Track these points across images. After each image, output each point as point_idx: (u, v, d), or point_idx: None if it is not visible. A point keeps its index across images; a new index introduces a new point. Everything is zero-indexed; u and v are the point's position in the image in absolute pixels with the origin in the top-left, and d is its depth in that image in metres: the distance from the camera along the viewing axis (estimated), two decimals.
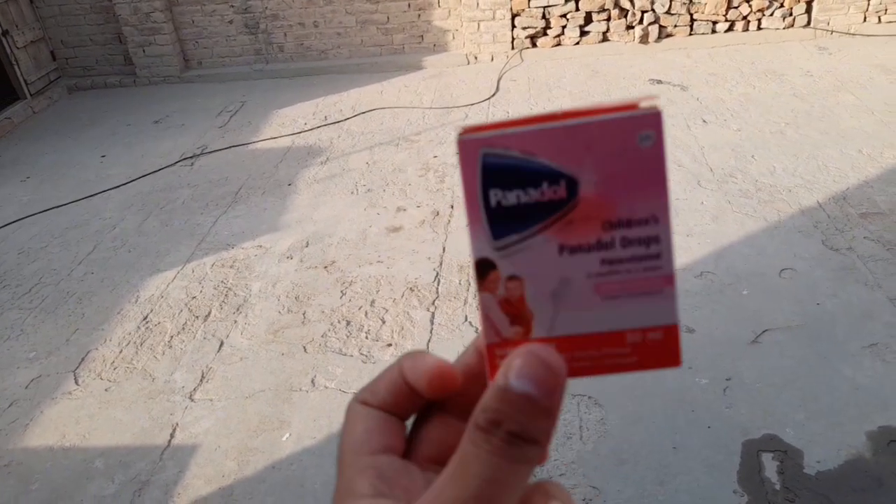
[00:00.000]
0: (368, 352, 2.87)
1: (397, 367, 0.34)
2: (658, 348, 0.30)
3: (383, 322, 3.03)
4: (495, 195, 0.29)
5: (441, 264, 3.39)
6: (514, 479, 0.27)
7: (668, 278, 0.30)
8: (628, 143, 0.28)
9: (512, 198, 0.29)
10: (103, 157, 5.14)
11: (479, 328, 0.32)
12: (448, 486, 0.28)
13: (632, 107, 0.28)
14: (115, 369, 2.94)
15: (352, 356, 2.85)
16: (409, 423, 0.35)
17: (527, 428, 0.27)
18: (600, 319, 0.30)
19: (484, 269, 0.30)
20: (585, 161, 0.29)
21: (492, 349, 0.31)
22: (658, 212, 0.29)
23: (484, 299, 0.31)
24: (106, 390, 2.83)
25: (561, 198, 0.29)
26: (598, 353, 0.31)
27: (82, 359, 3.03)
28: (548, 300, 0.30)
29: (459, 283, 3.22)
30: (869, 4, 5.83)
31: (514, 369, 0.28)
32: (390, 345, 2.89)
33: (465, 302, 3.08)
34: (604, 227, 0.29)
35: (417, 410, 0.35)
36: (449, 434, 0.33)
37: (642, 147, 0.28)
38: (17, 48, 6.15)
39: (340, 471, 0.32)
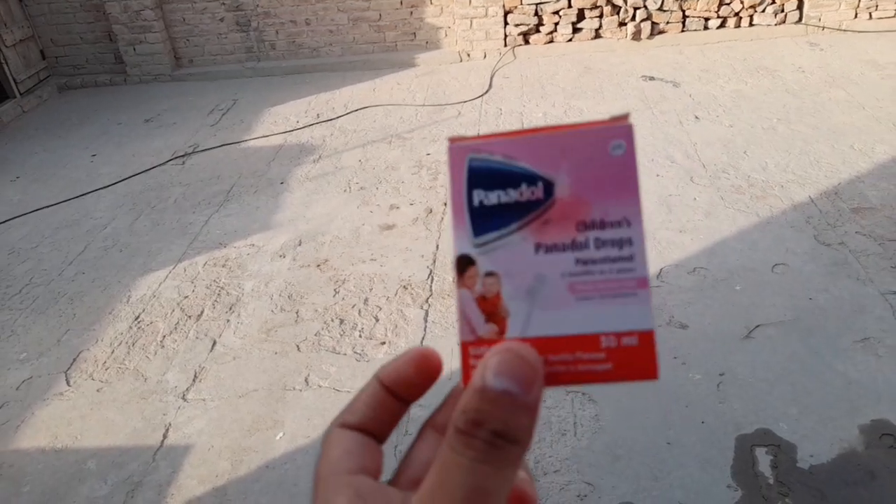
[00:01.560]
0: (362, 350, 2.86)
1: (373, 380, 0.34)
2: (634, 356, 0.30)
3: (377, 320, 3.02)
4: (478, 195, 0.32)
5: (434, 262, 3.38)
6: (500, 485, 0.26)
7: (642, 280, 0.30)
8: (601, 151, 0.31)
9: (493, 198, 0.32)
10: (94, 156, 5.10)
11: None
12: (431, 498, 0.27)
13: (606, 121, 0.31)
14: (106, 370, 2.92)
15: (345, 355, 2.84)
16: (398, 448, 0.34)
17: (510, 426, 0.27)
18: (574, 320, 0.31)
19: (463, 265, 0.32)
20: (561, 165, 0.31)
21: (466, 347, 0.32)
22: (630, 215, 0.30)
23: (461, 296, 0.32)
24: (98, 391, 2.81)
25: (538, 198, 0.31)
26: (572, 358, 0.31)
27: (74, 359, 3.01)
28: (523, 298, 0.31)
29: (453, 281, 3.21)
30: (860, 1, 5.85)
31: (491, 368, 0.28)
32: (384, 343, 2.88)
33: None
34: (578, 228, 0.31)
35: (398, 421, 0.34)
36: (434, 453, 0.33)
37: (614, 155, 0.31)
38: (6, 47, 6.10)
39: (316, 491, 0.31)
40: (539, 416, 0.28)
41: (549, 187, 0.31)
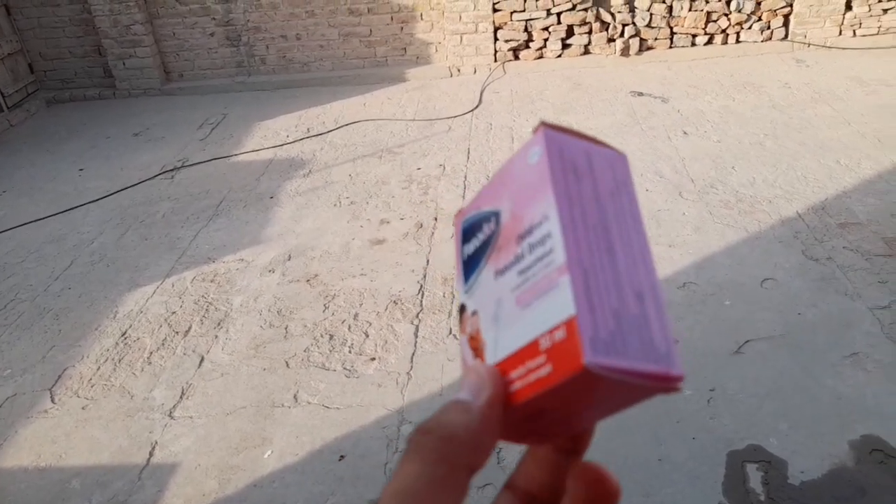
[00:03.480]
0: (352, 366, 2.84)
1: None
2: (565, 349, 0.27)
3: (367, 336, 3.00)
4: (466, 249, 0.36)
5: (425, 277, 3.37)
6: (445, 483, 0.27)
7: (562, 268, 0.29)
8: (523, 165, 0.32)
9: (471, 246, 0.35)
10: (81, 170, 5.07)
11: None
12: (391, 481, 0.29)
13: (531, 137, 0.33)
14: (92, 387, 2.88)
15: (335, 371, 2.82)
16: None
17: (452, 424, 0.28)
18: (521, 332, 0.30)
19: (461, 313, 0.35)
20: (503, 193, 0.33)
21: None
22: (547, 210, 0.30)
23: (461, 341, 0.35)
24: (83, 408, 2.77)
25: (492, 231, 0.34)
26: (524, 370, 0.29)
27: (59, 376, 2.96)
28: (491, 326, 0.32)
29: (444, 296, 3.21)
30: (844, 18, 5.95)
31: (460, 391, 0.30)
32: (374, 359, 2.86)
33: (450, 314, 3.07)
34: (517, 242, 0.32)
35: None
36: (541, 470, 0.34)
37: (532, 164, 0.32)
38: None
39: None
40: (495, 428, 0.29)
41: (497, 218, 0.33)
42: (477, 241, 0.35)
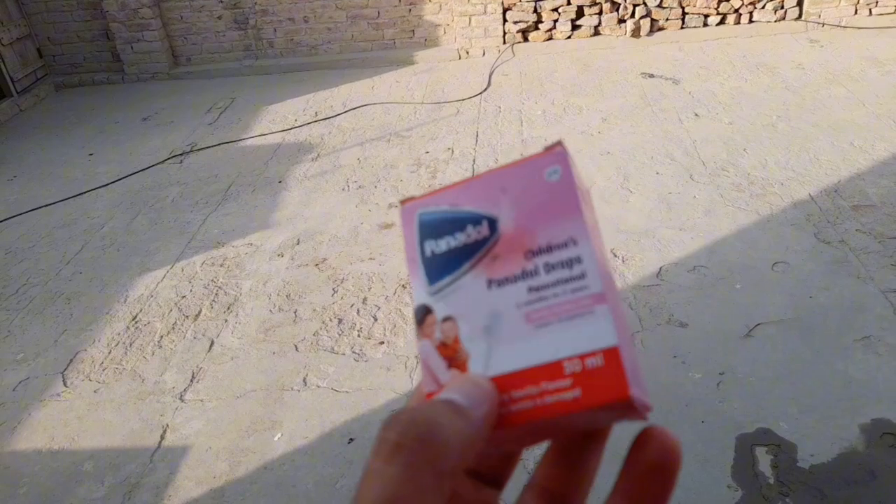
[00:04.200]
0: (361, 350, 2.85)
1: None
2: (602, 377, 0.28)
3: (375, 320, 3.01)
4: (429, 245, 0.33)
5: None
6: (434, 492, 0.24)
7: (598, 296, 0.29)
8: (537, 180, 0.31)
9: (443, 244, 0.32)
10: (91, 155, 5.08)
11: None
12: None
13: (541, 152, 0.32)
14: (104, 370, 2.91)
15: (344, 354, 2.83)
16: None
17: (449, 437, 0.25)
18: (535, 350, 0.30)
19: (421, 315, 0.32)
20: (502, 201, 0.32)
21: (430, 398, 0.30)
22: (575, 234, 0.30)
23: (422, 347, 0.32)
24: (95, 392, 2.80)
25: (484, 236, 0.32)
26: (537, 390, 0.29)
27: (70, 360, 2.99)
28: (481, 337, 0.31)
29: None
30: None
31: (445, 390, 0.28)
32: (382, 342, 2.87)
33: None
34: (526, 257, 0.31)
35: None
36: (558, 467, 0.33)
37: (551, 181, 0.31)
38: (3, 45, 6.07)
39: None
40: (482, 442, 0.27)
41: (493, 224, 0.32)
42: (454, 240, 0.32)
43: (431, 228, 0.33)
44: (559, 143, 0.32)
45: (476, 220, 0.32)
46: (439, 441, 0.25)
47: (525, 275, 0.31)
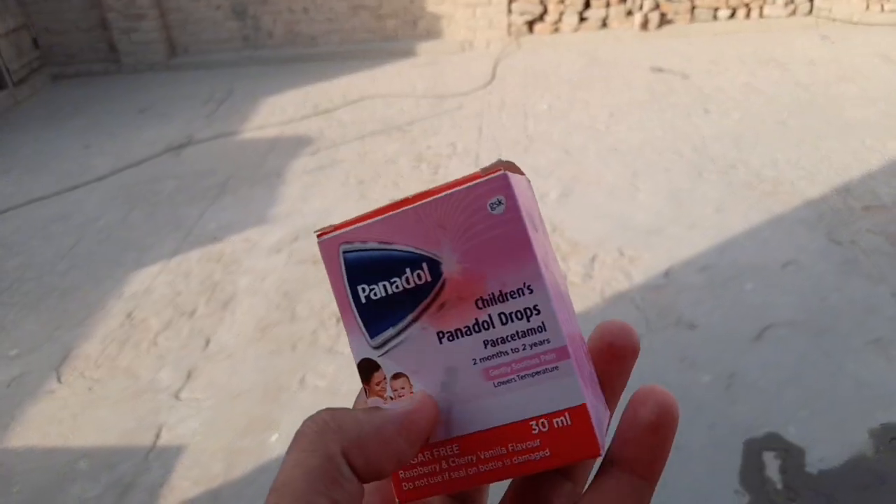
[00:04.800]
0: None
1: None
2: (570, 436, 0.27)
3: None
4: (363, 291, 0.29)
5: None
6: (320, 473, 0.24)
7: (560, 350, 0.27)
8: (480, 213, 0.27)
9: (380, 290, 0.29)
10: (87, 147, 5.01)
11: None
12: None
13: (478, 176, 0.27)
14: (98, 367, 2.85)
15: (342, 354, 2.77)
16: None
17: (344, 422, 0.26)
18: (498, 410, 0.28)
19: (367, 371, 0.29)
20: (442, 239, 0.28)
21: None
22: (529, 279, 0.27)
23: (373, 405, 0.29)
24: (89, 389, 2.74)
25: (427, 282, 0.28)
26: (504, 451, 0.28)
27: (65, 356, 2.94)
28: (438, 395, 0.28)
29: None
30: None
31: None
32: None
33: None
34: (478, 306, 0.28)
35: None
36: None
37: (495, 214, 0.27)
38: None
39: None
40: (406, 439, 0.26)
41: (434, 266, 0.28)
42: (391, 286, 0.28)
43: (362, 270, 0.29)
44: (499, 165, 0.27)
45: (414, 261, 0.28)
46: (333, 427, 0.25)
47: (479, 326, 0.28)
